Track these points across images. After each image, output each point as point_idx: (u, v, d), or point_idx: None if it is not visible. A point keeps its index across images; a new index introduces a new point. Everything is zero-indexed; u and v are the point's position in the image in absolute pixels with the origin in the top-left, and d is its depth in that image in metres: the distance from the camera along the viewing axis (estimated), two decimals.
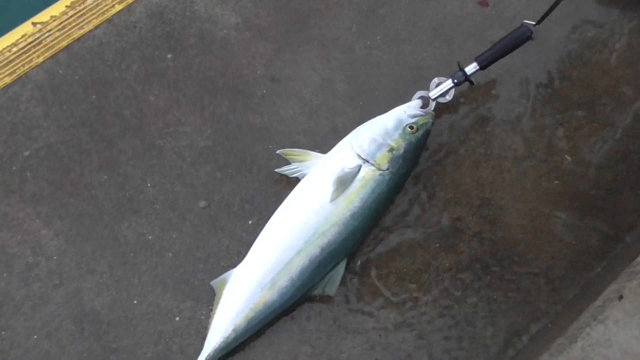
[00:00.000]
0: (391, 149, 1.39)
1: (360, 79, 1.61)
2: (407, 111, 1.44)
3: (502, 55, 1.50)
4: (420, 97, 1.51)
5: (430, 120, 1.45)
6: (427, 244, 1.47)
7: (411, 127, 1.41)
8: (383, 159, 1.38)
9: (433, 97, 1.51)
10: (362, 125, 1.45)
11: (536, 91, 1.61)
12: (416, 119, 1.43)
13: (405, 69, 1.63)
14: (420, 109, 1.46)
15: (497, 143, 1.56)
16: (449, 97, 1.52)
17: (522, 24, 1.49)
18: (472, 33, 1.67)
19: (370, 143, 1.39)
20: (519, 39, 1.48)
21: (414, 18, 1.69)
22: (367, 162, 1.37)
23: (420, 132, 1.42)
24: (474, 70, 1.49)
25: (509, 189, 1.53)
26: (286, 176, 1.46)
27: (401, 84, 1.60)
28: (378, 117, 1.45)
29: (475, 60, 1.50)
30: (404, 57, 1.64)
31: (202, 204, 1.47)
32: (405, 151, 1.40)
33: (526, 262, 1.46)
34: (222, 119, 1.55)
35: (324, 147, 1.51)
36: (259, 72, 1.60)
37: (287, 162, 1.46)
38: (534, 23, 1.49)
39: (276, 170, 1.46)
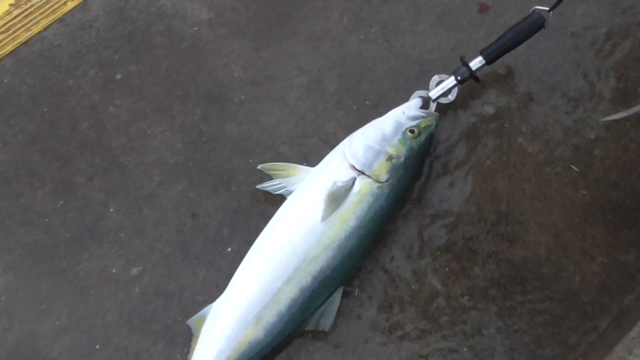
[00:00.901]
0: (390, 157, 1.36)
1: (354, 79, 1.57)
2: (406, 112, 1.41)
3: (511, 47, 1.45)
4: (420, 97, 1.47)
5: (434, 122, 1.42)
6: (435, 268, 1.44)
7: (412, 131, 1.38)
8: (381, 169, 1.35)
9: (433, 98, 1.48)
10: (355, 131, 1.41)
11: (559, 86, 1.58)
12: (417, 121, 1.40)
13: (405, 65, 1.58)
14: (422, 110, 1.43)
15: (514, 148, 1.53)
16: (451, 97, 1.48)
17: (534, 11, 1.44)
18: (483, 21, 1.64)
19: (365, 151, 1.35)
20: (529, 28, 1.43)
21: (415, 5, 1.65)
22: (363, 173, 1.34)
23: (423, 136, 1.39)
24: (479, 65, 1.45)
25: (529, 201, 1.48)
26: (270, 194, 1.42)
27: (401, 82, 1.56)
28: (373, 122, 1.42)
29: (481, 53, 1.45)
30: (405, 51, 1.60)
31: (174, 228, 1.44)
32: (406, 159, 1.37)
33: (551, 286, 1.41)
34: (194, 131, 1.51)
35: (313, 158, 1.47)
36: (236, 74, 1.56)
37: (271, 178, 1.42)
38: (547, 9, 1.44)
39: (258, 187, 1.42)
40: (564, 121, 1.55)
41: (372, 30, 1.62)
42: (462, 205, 1.48)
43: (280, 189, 1.42)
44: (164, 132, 1.51)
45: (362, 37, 1.61)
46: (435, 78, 1.49)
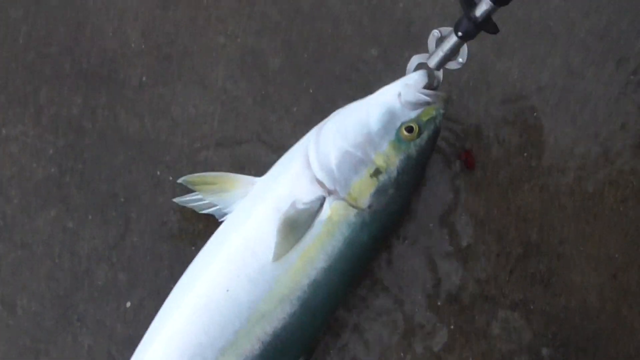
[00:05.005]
0: (376, 172, 1.40)
1: (308, 49, 1.66)
2: (404, 95, 1.43)
3: None
4: (419, 67, 1.49)
5: (441, 110, 1.44)
6: (436, 326, 1.51)
7: (410, 129, 1.41)
8: (362, 189, 1.40)
9: (433, 65, 1.48)
10: (326, 121, 1.44)
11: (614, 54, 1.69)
12: (418, 111, 1.43)
13: (384, 26, 1.68)
14: (424, 91, 1.44)
15: (549, 147, 1.63)
16: (462, 60, 1.48)
17: None
18: None
19: (340, 160, 1.39)
20: None
21: None
22: (335, 193, 1.39)
23: (425, 134, 1.43)
24: (486, 8, 1.38)
25: (571, 226, 1.57)
26: (193, 214, 1.50)
27: (379, 52, 1.65)
28: (354, 106, 1.45)
29: None
30: (382, 4, 1.69)
31: (45, 275, 1.51)
32: (399, 173, 1.42)
33: (608, 349, 1.50)
34: (73, 128, 1.60)
35: (250, 170, 1.56)
36: (133, 43, 1.65)
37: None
38: None
39: (176, 200, 1.50)
40: (625, 104, 1.69)
41: None
42: (472, 231, 1.57)
43: (209, 206, 1.48)
44: (27, 132, 1.60)
45: None
46: (435, 34, 1.49)
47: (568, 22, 1.68)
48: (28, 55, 1.65)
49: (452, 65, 1.47)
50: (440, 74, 1.48)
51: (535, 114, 1.66)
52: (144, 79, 1.66)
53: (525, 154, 1.64)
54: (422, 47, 1.51)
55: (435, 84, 1.48)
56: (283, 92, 1.66)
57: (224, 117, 1.64)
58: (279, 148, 1.53)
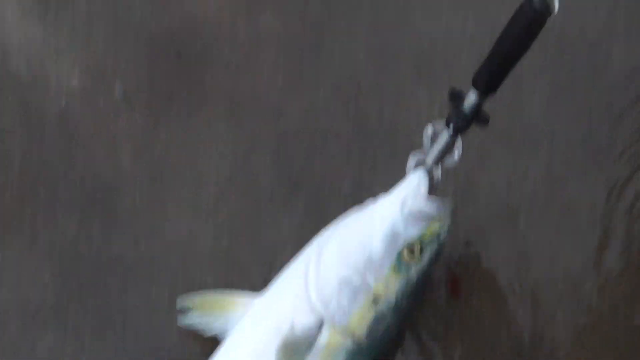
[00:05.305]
0: (375, 300, 1.40)
1: (299, 164, 1.75)
2: (407, 206, 1.43)
3: (513, 60, 1.42)
4: (422, 170, 1.50)
5: (445, 225, 1.45)
6: None
7: (411, 250, 1.41)
8: (360, 319, 1.40)
9: (429, 166, 1.50)
10: (327, 239, 1.46)
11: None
12: (421, 227, 1.43)
13: (373, 138, 1.78)
14: (429, 200, 1.44)
15: (535, 256, 1.73)
16: (457, 156, 1.51)
17: None
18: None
19: (339, 288, 1.40)
20: (529, 20, 1.35)
21: (380, 51, 1.85)
22: (334, 320, 1.40)
23: (427, 254, 1.43)
24: (475, 100, 1.44)
25: (562, 336, 1.65)
26: (191, 340, 1.57)
27: (369, 165, 1.75)
28: (356, 224, 1.47)
29: (473, 84, 1.45)
30: (369, 117, 1.79)
31: None
32: (398, 298, 1.42)
33: None
34: (68, 253, 1.67)
35: (248, 283, 1.62)
36: (125, 165, 1.73)
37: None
38: None
39: (181, 324, 1.56)
40: (609, 210, 1.81)
41: (321, 92, 1.81)
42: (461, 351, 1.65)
43: (209, 326, 1.53)
44: (23, 258, 1.67)
45: (305, 103, 1.80)
46: (428, 130, 1.52)
47: (549, 132, 1.78)
48: (23, 182, 1.73)
49: (449, 160, 1.51)
50: (439, 170, 1.50)
51: (521, 222, 1.75)
52: (136, 199, 1.73)
53: (514, 263, 1.73)
54: (407, 158, 1.57)
55: (435, 181, 1.50)
56: (274, 207, 1.73)
57: (216, 236, 1.71)
58: (272, 262, 1.61)
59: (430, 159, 1.49)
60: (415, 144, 1.57)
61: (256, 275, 1.63)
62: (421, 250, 1.40)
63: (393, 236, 1.39)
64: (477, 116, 1.43)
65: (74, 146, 1.76)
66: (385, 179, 1.60)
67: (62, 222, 1.72)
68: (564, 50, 1.86)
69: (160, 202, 1.73)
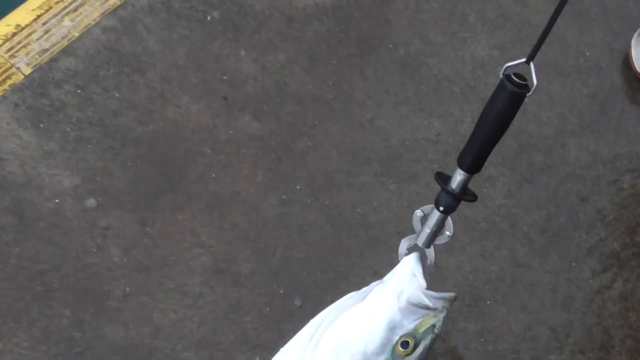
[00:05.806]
0: None
1: (277, 255, 1.90)
2: (403, 299, 1.45)
3: (492, 142, 1.47)
4: (416, 255, 1.54)
5: (442, 316, 1.47)
6: None
7: (404, 344, 1.44)
8: None
9: (423, 244, 1.57)
10: (325, 328, 1.49)
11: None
12: (417, 321, 1.46)
13: (346, 232, 1.93)
14: (428, 293, 1.47)
15: (502, 332, 1.89)
16: (449, 233, 1.57)
17: (504, 74, 1.41)
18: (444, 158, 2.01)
19: None
20: (507, 102, 1.42)
21: (351, 152, 2.02)
22: None
23: (421, 347, 1.46)
24: (461, 179, 1.51)
25: None
26: None
27: (342, 257, 1.89)
28: (352, 318, 1.49)
29: (459, 165, 1.50)
30: (342, 213, 1.94)
31: None
32: None
33: None
34: (62, 338, 1.78)
35: None
36: (115, 258, 1.86)
37: None
38: (523, 60, 1.39)
39: None
40: (570, 290, 2.01)
41: (297, 187, 1.97)
42: None
43: None
44: (20, 344, 1.77)
45: (283, 197, 1.96)
46: (418, 214, 1.58)
47: (512, 219, 1.96)
48: (20, 274, 1.84)
49: (441, 239, 1.58)
50: (432, 251, 1.58)
51: (488, 302, 1.90)
52: (127, 289, 1.86)
53: (481, 340, 1.86)
54: (380, 247, 1.77)
55: (428, 262, 1.57)
56: (255, 296, 1.87)
57: (201, 321, 1.83)
58: (255, 347, 1.74)
59: (421, 241, 1.57)
60: (387, 233, 1.80)
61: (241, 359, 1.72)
62: (415, 346, 1.44)
63: (389, 331, 1.43)
64: (465, 194, 1.51)
65: (67, 242, 1.91)
66: (363, 265, 1.82)
67: (57, 309, 1.84)
68: (523, 147, 2.07)
69: (148, 290, 1.87)
